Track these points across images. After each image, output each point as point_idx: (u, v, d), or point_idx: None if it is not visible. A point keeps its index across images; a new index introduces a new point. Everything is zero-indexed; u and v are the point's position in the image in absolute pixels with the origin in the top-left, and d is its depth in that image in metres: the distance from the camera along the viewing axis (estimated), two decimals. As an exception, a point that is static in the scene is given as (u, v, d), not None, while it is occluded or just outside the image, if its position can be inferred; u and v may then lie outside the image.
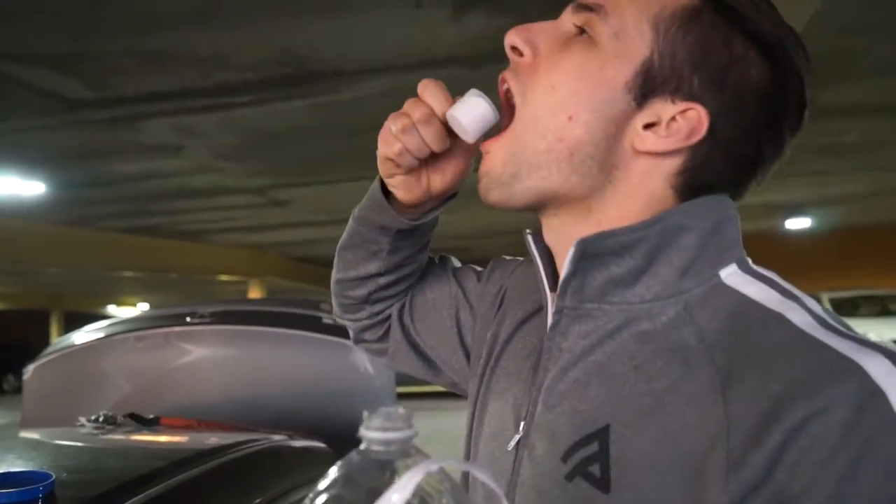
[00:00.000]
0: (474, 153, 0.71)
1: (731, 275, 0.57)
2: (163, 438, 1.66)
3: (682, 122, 0.56)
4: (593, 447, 0.54)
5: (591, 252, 0.57)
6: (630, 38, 0.57)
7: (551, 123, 0.58)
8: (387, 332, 0.89)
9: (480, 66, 3.73)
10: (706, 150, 0.57)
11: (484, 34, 3.30)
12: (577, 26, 0.59)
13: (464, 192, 0.76)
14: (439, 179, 0.73)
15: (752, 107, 0.57)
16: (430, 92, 0.66)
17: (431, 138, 0.67)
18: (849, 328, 0.51)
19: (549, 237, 0.64)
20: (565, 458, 0.56)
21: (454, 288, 0.85)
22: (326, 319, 2.50)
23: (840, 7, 3.09)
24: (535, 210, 0.63)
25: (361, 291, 0.85)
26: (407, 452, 0.43)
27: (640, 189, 0.59)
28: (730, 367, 0.50)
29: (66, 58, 3.42)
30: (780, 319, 0.51)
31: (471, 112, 0.64)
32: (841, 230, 11.36)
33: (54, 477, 0.93)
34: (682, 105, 0.56)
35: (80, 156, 5.35)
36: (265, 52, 3.46)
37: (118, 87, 3.84)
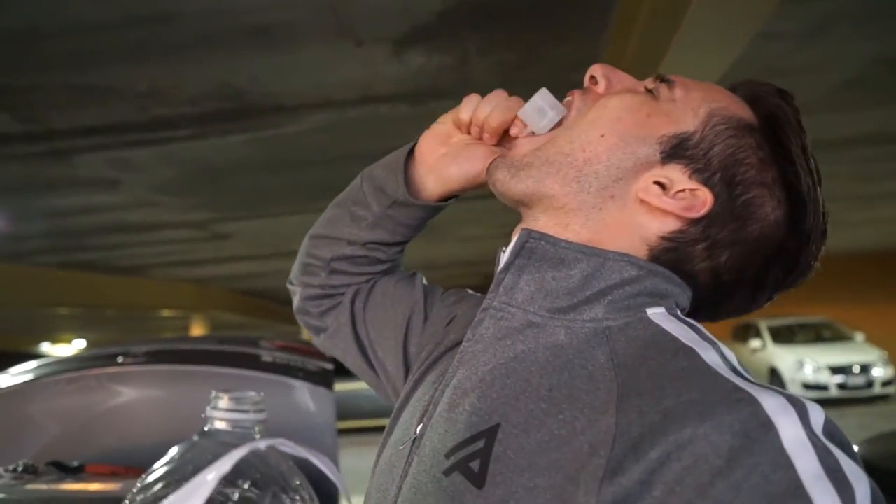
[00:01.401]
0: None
1: (656, 314, 0.59)
2: (87, 487, 1.59)
3: (689, 196, 0.61)
4: (479, 444, 0.55)
5: (530, 248, 0.61)
6: (684, 110, 0.63)
7: (585, 134, 0.63)
8: (330, 310, 0.89)
9: (422, 103, 3.77)
10: (695, 235, 0.61)
11: (424, 71, 3.34)
12: (647, 88, 0.65)
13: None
14: (455, 166, 0.77)
15: (753, 232, 0.61)
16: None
17: (497, 115, 0.72)
18: (756, 379, 0.52)
19: None
20: (449, 454, 0.56)
21: (418, 294, 0.87)
22: (265, 357, 2.45)
23: (764, 51, 3.23)
24: (525, 205, 0.66)
25: (325, 253, 0.87)
26: (251, 436, 0.42)
27: (622, 231, 0.62)
28: (629, 383, 0.51)
29: (-5, 91, 3.32)
30: (689, 352, 0.53)
31: (540, 116, 0.69)
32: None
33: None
34: (695, 184, 0.61)
35: (11, 190, 5.16)
36: (204, 86, 3.43)
37: (51, 121, 3.74)
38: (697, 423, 0.45)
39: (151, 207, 5.91)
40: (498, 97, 0.72)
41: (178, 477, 0.41)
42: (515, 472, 0.51)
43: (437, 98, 3.70)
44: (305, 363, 2.48)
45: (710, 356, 0.53)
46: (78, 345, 19.84)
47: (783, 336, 11.08)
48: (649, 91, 0.65)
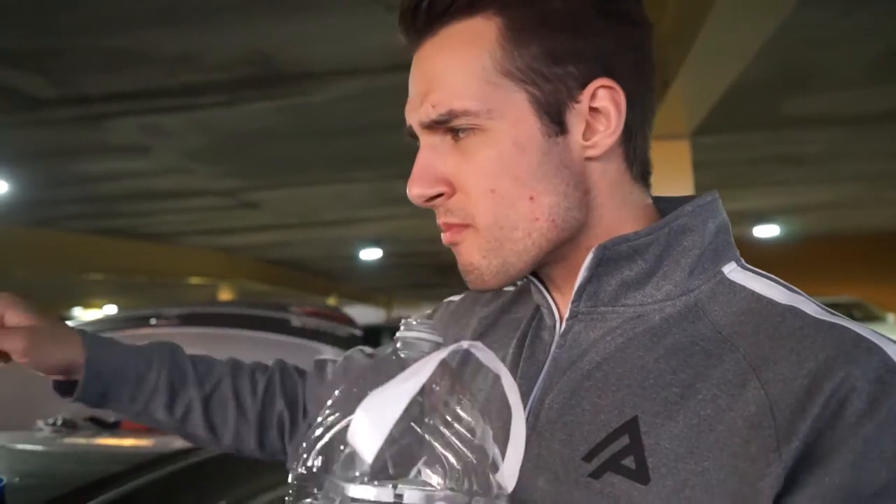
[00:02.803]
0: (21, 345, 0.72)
1: (733, 271, 0.58)
2: (123, 442, 1.63)
3: (602, 103, 0.56)
4: (624, 440, 0.53)
5: (607, 257, 0.58)
6: (503, 101, 0.56)
7: (515, 213, 0.57)
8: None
9: (452, 71, 3.74)
10: (629, 95, 0.57)
11: (455, 39, 3.31)
12: (453, 137, 0.58)
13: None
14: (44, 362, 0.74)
15: (619, 28, 0.57)
16: None
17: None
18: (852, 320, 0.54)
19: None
20: (590, 456, 0.54)
21: None
22: (295, 322, 2.48)
23: (806, 20, 3.15)
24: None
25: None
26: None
27: (607, 188, 0.59)
28: (757, 352, 0.52)
29: (29, 55, 3.36)
30: (793, 311, 0.53)
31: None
32: (805, 239, 11.57)
33: (4, 481, 0.90)
34: (584, 95, 0.56)
35: (45, 155, 5.24)
36: (233, 52, 3.43)
37: (83, 85, 3.78)
38: (841, 373, 0.48)
39: (181, 174, 5.97)
40: None
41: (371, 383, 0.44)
42: (679, 461, 0.51)
43: (467, 66, 3.67)
44: (335, 329, 2.51)
45: (810, 308, 0.54)
46: (109, 310, 20.23)
47: (812, 316, 10.91)
48: (455, 133, 0.57)
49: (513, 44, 0.55)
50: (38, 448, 1.51)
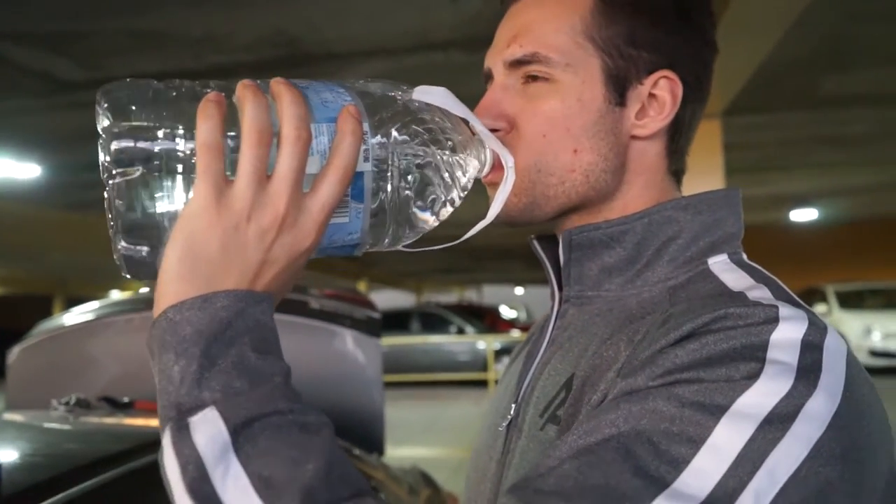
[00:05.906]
0: None
1: (717, 263, 0.60)
2: (134, 422, 1.62)
3: (660, 92, 0.61)
4: (562, 395, 0.59)
5: (577, 242, 0.63)
6: (581, 60, 0.60)
7: (557, 162, 0.61)
8: None
9: (478, 50, 3.67)
10: (685, 94, 0.61)
11: (481, 16, 3.24)
12: (526, 76, 0.62)
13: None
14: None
15: (695, 39, 0.62)
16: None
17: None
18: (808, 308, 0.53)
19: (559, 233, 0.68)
20: (543, 413, 0.60)
21: None
22: (313, 304, 2.46)
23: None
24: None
25: None
26: None
27: (640, 169, 0.63)
28: (672, 313, 0.54)
29: (58, 37, 3.38)
30: (734, 293, 0.55)
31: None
32: (847, 222, 11.28)
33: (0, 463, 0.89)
34: (648, 80, 0.61)
35: (75, 138, 5.31)
36: (259, 32, 3.41)
37: (111, 67, 3.80)
38: (709, 315, 0.49)
39: (210, 158, 6.00)
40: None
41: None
42: (581, 399, 0.56)
43: (493, 45, 3.60)
44: (353, 311, 2.48)
45: (756, 294, 0.54)
46: (143, 292, 20.64)
47: (851, 301, 10.66)
48: (527, 79, 0.62)
49: (603, 16, 0.60)
50: (48, 426, 1.51)
